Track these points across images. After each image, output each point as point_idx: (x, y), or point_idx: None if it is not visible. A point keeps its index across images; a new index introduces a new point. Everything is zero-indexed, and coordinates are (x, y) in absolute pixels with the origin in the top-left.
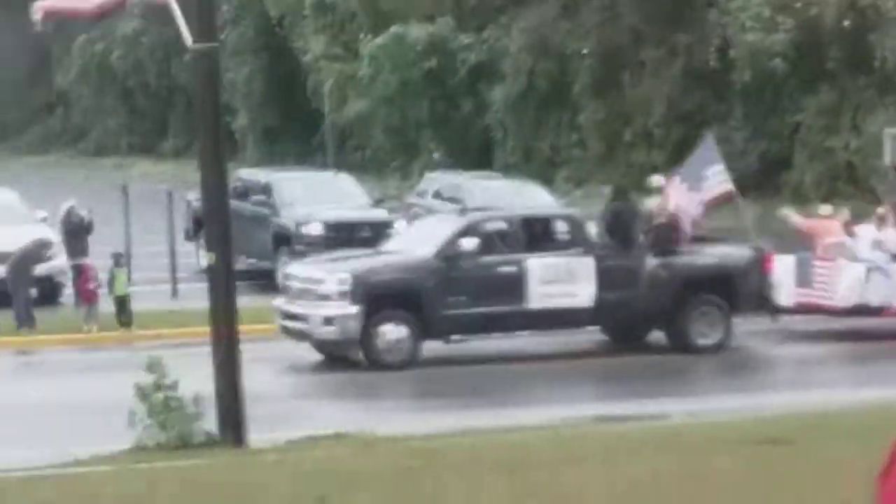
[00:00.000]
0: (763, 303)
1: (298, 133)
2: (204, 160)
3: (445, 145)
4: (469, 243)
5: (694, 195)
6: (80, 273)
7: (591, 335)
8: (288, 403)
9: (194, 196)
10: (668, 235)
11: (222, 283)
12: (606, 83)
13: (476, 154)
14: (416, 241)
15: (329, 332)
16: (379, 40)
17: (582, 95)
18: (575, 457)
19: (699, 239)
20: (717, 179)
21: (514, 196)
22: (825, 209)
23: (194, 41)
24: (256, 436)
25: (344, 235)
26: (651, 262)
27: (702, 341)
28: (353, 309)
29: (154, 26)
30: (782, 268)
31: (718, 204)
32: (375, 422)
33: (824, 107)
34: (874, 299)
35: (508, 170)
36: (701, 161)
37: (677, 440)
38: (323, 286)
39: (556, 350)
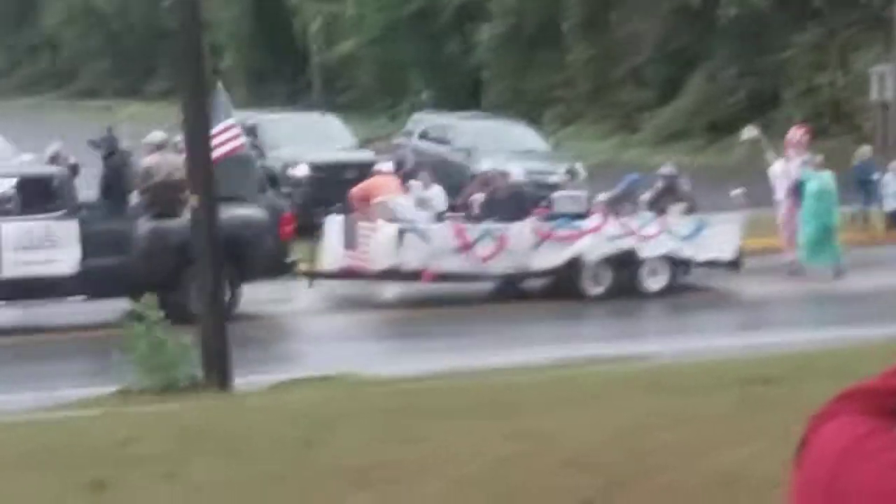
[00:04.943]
0: (281, 267)
1: (286, 74)
2: (185, 102)
3: (433, 86)
4: None
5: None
6: None
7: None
8: None
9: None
10: (167, 195)
11: (205, 225)
12: (594, 22)
13: (464, 94)
14: None
15: None
16: None
17: (570, 34)
18: None
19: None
20: (231, 134)
21: (501, 135)
22: (385, 166)
23: None
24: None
25: (330, 177)
26: (146, 224)
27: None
28: None
29: None
30: (331, 229)
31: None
32: None
33: (811, 44)
34: (409, 262)
35: (496, 110)
36: (215, 116)
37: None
38: None
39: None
